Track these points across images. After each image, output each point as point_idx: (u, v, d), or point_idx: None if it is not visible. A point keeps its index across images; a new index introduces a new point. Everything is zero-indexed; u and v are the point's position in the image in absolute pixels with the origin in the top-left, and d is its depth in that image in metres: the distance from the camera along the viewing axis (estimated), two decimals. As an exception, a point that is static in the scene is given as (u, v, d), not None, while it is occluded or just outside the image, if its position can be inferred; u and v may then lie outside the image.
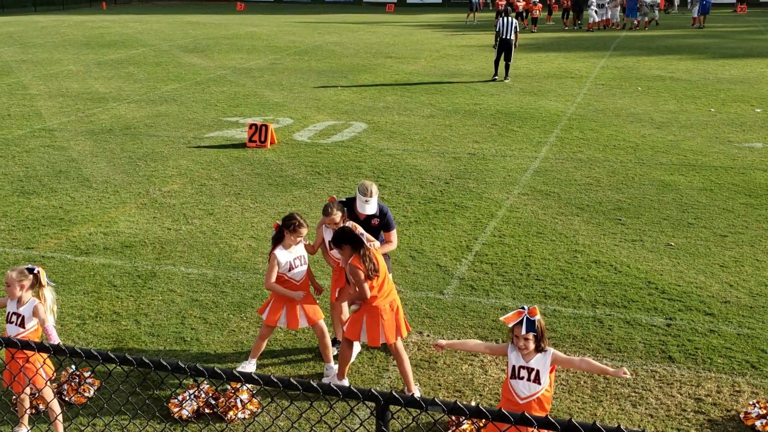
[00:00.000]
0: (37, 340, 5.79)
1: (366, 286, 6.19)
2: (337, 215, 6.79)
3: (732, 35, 33.20)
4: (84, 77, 23.41)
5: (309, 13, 50.22)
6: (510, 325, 5.20)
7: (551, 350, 5.25)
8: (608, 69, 24.06)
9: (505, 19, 21.60)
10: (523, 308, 5.21)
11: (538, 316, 5.16)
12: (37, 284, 5.86)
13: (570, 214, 10.92)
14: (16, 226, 10.65)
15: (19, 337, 5.62)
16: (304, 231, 6.66)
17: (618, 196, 11.61)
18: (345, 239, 6.25)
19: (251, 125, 14.81)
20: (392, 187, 12.15)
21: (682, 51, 28.18)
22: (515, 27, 21.46)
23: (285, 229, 6.61)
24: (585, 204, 11.30)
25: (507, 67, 21.71)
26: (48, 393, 5.84)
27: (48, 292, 5.88)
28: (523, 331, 5.12)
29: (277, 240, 6.66)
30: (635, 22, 35.77)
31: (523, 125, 16.42)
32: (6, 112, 18.27)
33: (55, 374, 5.95)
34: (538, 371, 5.17)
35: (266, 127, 14.68)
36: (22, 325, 5.77)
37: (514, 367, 5.22)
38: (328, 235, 6.89)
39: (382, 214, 7.05)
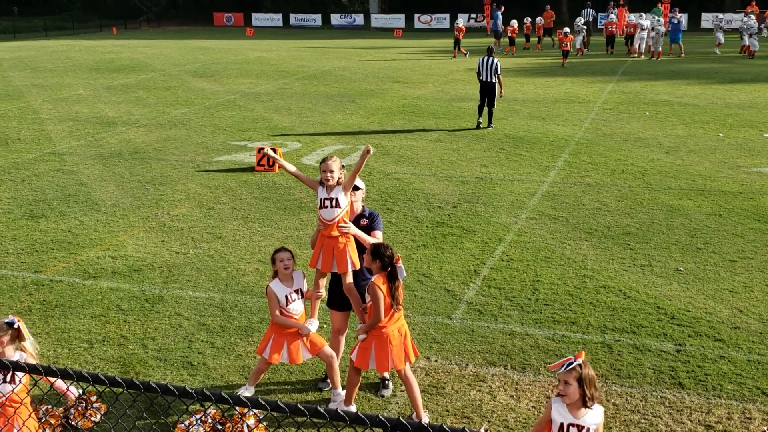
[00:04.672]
0: (25, 395, 5.35)
1: (383, 308, 6.18)
2: (335, 164, 6.54)
3: (739, 60, 33.26)
4: (94, 101, 23.58)
5: (317, 38, 50.56)
6: (556, 372, 4.85)
7: (602, 409, 4.82)
8: (616, 94, 24.11)
9: (486, 59, 18.73)
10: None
11: (581, 359, 4.73)
12: (17, 337, 5.46)
13: (578, 238, 10.89)
14: (25, 249, 10.68)
15: (10, 393, 5.28)
16: (283, 256, 6.63)
17: (626, 221, 11.59)
18: (380, 257, 6.19)
19: (259, 149, 14.87)
20: (400, 211, 12.15)
21: (690, 76, 28.23)
22: (496, 68, 18.60)
23: (272, 265, 6.70)
24: (593, 228, 11.28)
25: (490, 113, 18.90)
26: None
27: (29, 345, 5.48)
28: (562, 370, 4.73)
29: (275, 275, 6.72)
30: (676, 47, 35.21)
31: (530, 149, 16.44)
32: (16, 136, 18.40)
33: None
34: (588, 429, 4.71)
35: (274, 150, 14.70)
36: (12, 381, 5.35)
37: (561, 425, 4.75)
38: (321, 193, 6.65)
39: (371, 217, 7.04)
